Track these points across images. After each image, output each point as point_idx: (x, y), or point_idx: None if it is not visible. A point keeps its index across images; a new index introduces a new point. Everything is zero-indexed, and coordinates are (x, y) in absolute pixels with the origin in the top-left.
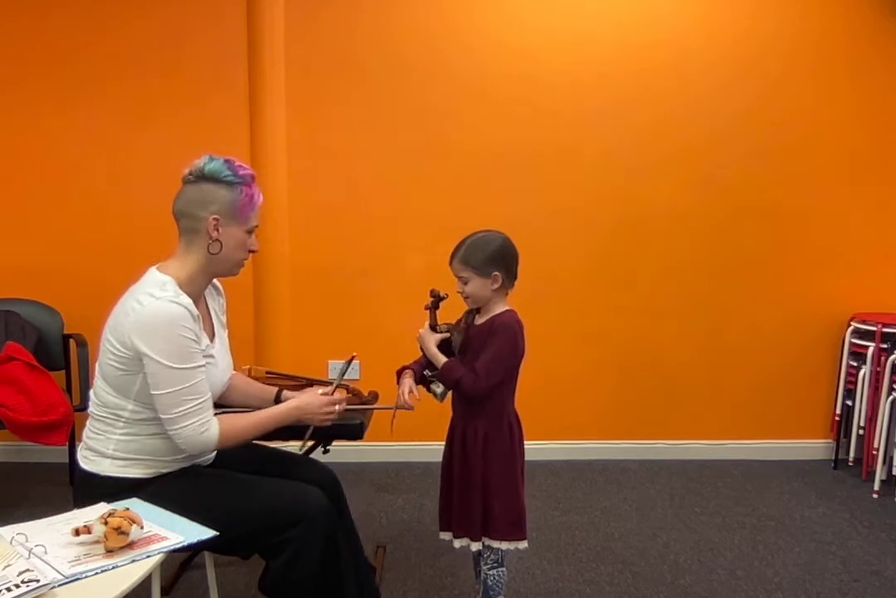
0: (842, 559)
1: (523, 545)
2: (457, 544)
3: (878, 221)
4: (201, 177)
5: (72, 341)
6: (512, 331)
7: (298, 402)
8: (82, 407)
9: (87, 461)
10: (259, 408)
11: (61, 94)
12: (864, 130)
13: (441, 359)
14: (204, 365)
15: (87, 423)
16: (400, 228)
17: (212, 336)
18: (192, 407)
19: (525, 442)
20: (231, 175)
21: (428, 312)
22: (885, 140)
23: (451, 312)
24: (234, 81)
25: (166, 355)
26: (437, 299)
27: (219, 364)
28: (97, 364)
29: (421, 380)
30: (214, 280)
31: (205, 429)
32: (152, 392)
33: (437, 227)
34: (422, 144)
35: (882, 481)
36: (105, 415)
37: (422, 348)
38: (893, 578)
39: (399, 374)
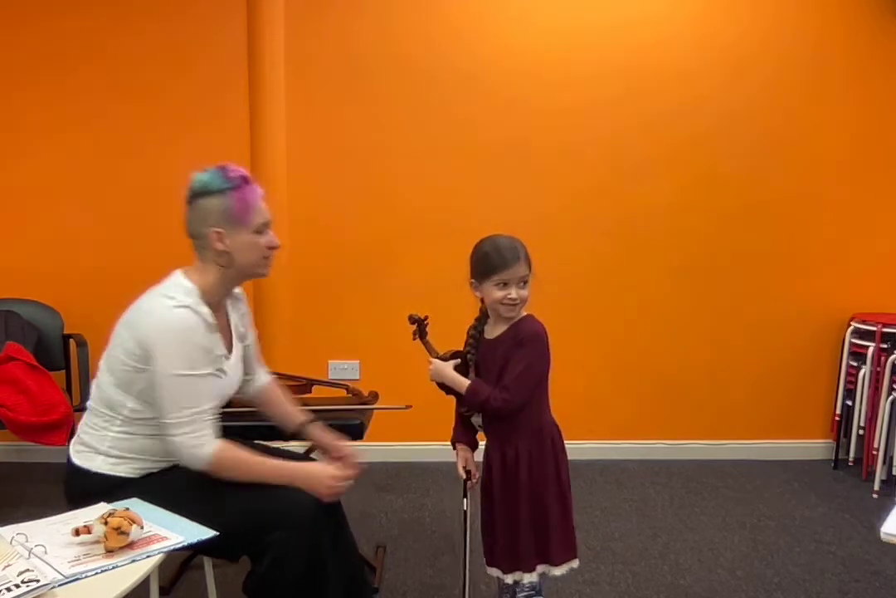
0: (842, 559)
1: (575, 563)
2: (509, 579)
3: (878, 221)
4: (194, 195)
5: (72, 341)
6: (541, 340)
7: (310, 469)
8: (82, 407)
9: (79, 456)
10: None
11: (63, 93)
12: (864, 130)
13: (463, 383)
14: (211, 375)
15: (84, 416)
16: (400, 228)
17: (229, 348)
18: (188, 416)
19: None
20: (219, 183)
21: (421, 342)
22: (885, 139)
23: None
24: (234, 81)
25: (172, 358)
26: (420, 324)
27: (230, 378)
28: (104, 357)
29: (463, 422)
30: (236, 289)
31: (198, 443)
32: (155, 395)
33: (437, 226)
34: (422, 143)
35: (882, 481)
36: (104, 410)
37: (439, 383)
38: (893, 578)
39: (453, 444)
